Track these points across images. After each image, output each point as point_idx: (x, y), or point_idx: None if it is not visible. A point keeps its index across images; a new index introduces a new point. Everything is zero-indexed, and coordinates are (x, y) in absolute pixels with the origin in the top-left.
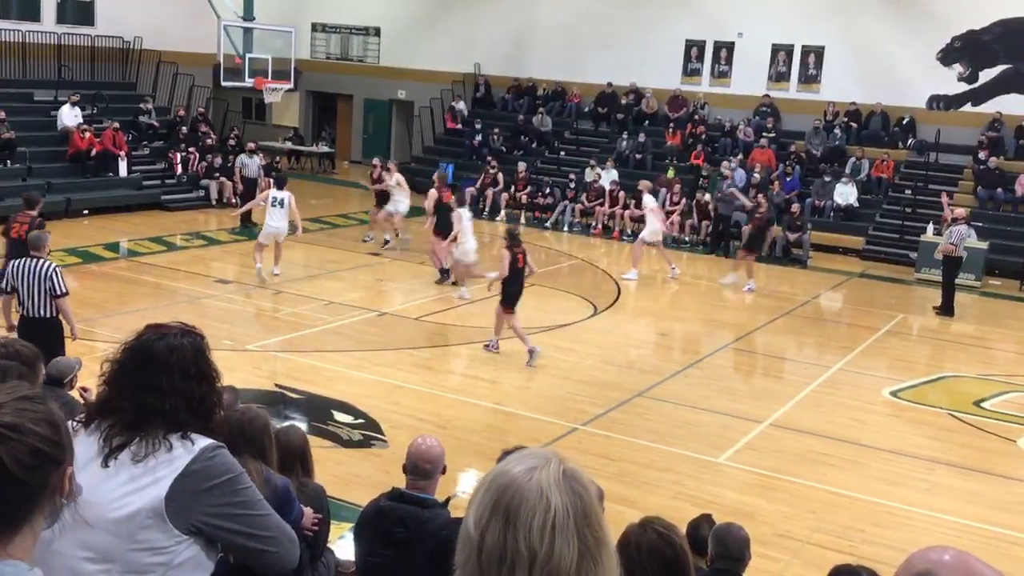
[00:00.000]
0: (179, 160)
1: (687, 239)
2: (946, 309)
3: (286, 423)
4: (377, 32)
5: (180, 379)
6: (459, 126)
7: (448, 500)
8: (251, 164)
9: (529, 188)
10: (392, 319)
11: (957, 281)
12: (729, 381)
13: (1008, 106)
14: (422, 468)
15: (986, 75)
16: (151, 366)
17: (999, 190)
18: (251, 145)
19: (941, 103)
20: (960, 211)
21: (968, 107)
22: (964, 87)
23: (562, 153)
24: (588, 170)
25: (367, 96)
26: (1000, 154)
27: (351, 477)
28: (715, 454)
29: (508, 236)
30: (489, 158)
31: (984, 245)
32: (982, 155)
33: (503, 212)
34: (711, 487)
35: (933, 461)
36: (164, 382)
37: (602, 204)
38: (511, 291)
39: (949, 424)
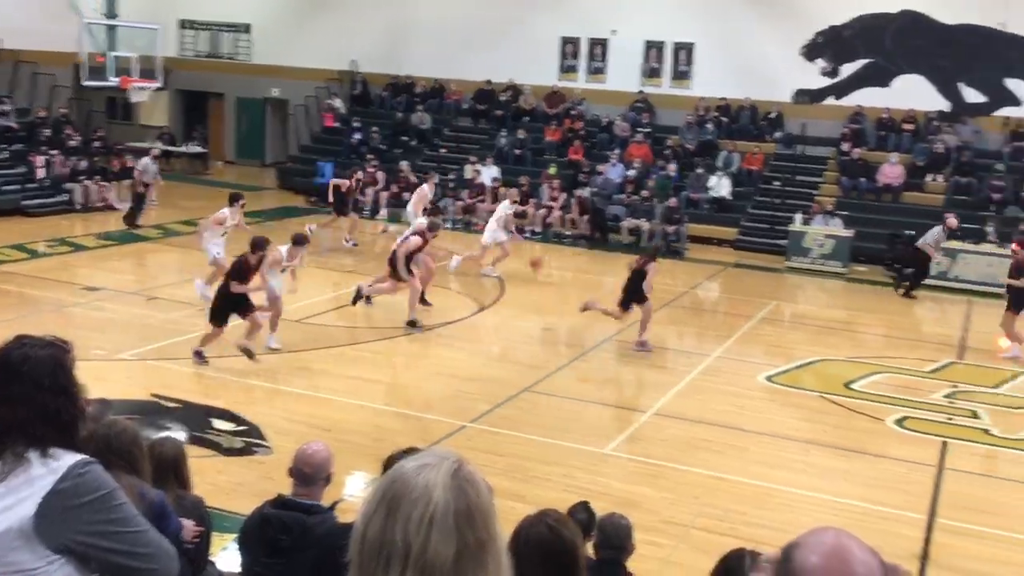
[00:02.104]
0: (41, 163)
1: (568, 233)
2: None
3: (161, 434)
4: (248, 29)
5: (32, 389)
6: (337, 124)
7: (334, 505)
8: (152, 168)
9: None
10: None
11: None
12: (614, 373)
13: (869, 99)
14: (306, 474)
15: (848, 69)
16: (2, 375)
17: (862, 179)
18: (155, 151)
19: (806, 97)
20: (952, 220)
21: (831, 100)
22: (827, 81)
23: (442, 151)
24: (468, 167)
25: (240, 94)
26: (862, 145)
27: (234, 486)
28: (602, 445)
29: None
30: (369, 156)
31: (850, 233)
32: (845, 146)
33: (384, 211)
34: (599, 478)
35: (808, 442)
36: (15, 392)
37: (483, 201)
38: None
39: (822, 406)
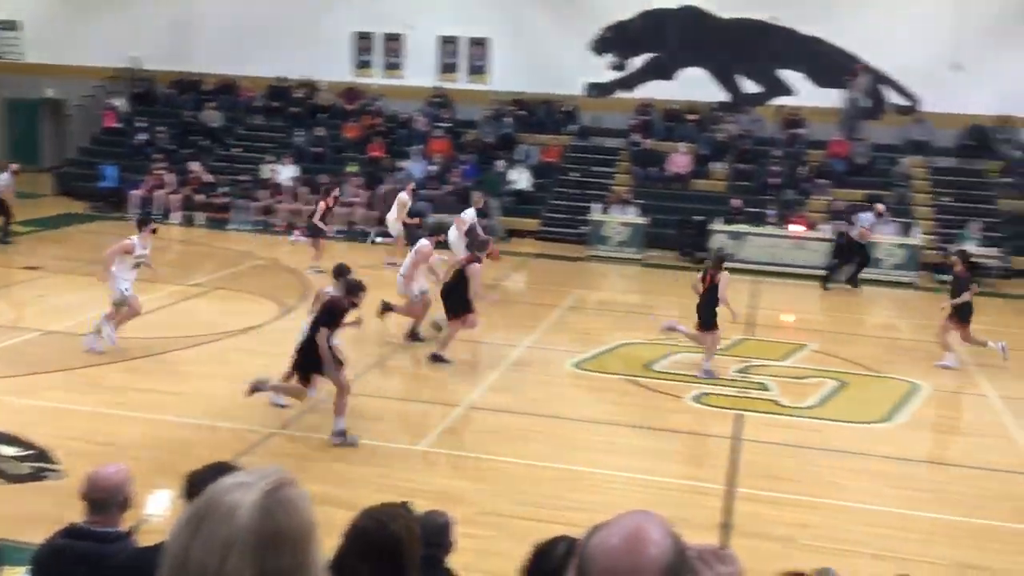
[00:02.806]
0: None
1: (373, 231)
2: (853, 282)
3: None
4: (16, 26)
5: None
6: (119, 125)
7: (131, 530)
8: (7, 181)
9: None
10: (59, 338)
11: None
12: (425, 369)
13: (655, 92)
14: (99, 499)
15: (634, 63)
16: None
17: (653, 169)
18: (14, 167)
19: (597, 91)
20: (879, 206)
21: (621, 94)
22: (616, 75)
23: (236, 150)
24: (265, 167)
25: (10, 95)
26: (652, 136)
27: (23, 515)
28: (417, 442)
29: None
30: (157, 157)
31: (645, 220)
32: (636, 137)
33: (178, 215)
34: (416, 475)
35: (616, 424)
36: None
37: (281, 201)
38: None
39: (627, 388)
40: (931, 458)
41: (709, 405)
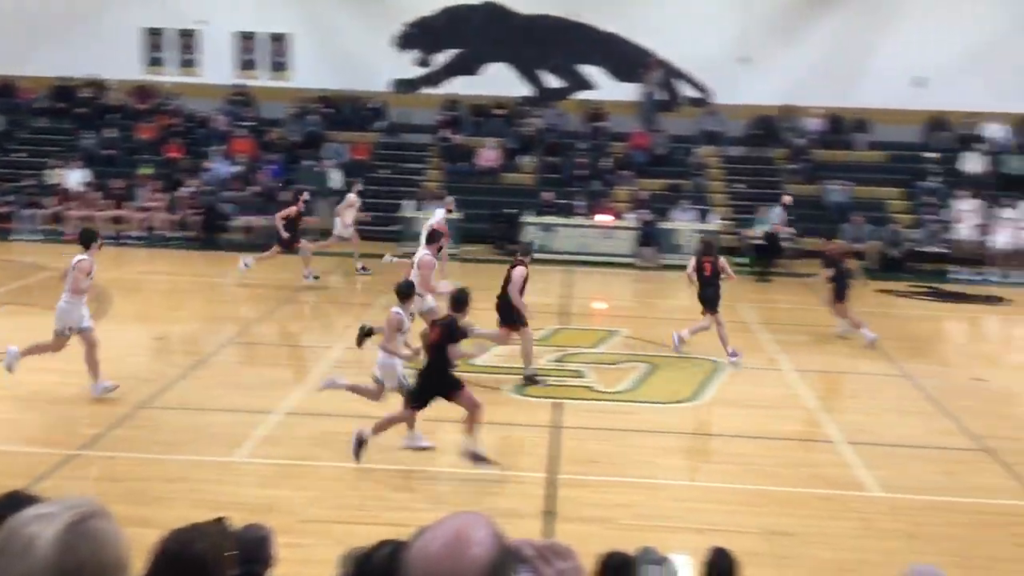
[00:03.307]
0: None
1: (173, 236)
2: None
3: None
4: None
5: None
6: None
7: None
8: None
9: None
10: None
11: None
12: (237, 376)
13: (462, 87)
14: None
15: (439, 59)
16: None
17: (463, 164)
18: None
19: (404, 87)
20: (786, 198)
21: (428, 89)
22: (421, 71)
23: (18, 155)
24: (51, 171)
25: None
26: (460, 131)
27: None
28: (230, 453)
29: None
30: None
31: (460, 215)
32: (445, 133)
33: None
34: (230, 487)
35: (438, 420)
36: None
37: (71, 208)
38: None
39: None
40: (736, 432)
41: (528, 395)
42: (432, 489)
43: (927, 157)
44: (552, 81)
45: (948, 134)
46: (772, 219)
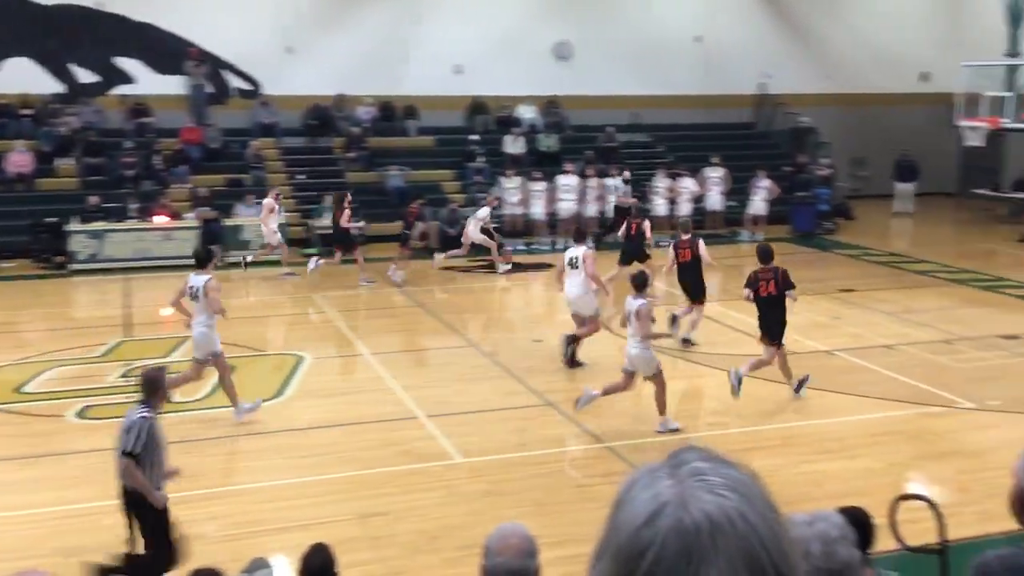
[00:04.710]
0: None
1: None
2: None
3: None
4: None
5: None
6: None
7: None
8: None
9: None
10: None
11: None
12: None
13: None
14: None
15: None
16: None
17: None
18: None
19: None
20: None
21: None
22: None
23: None
24: None
25: None
26: None
27: None
28: None
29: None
30: None
31: None
32: None
33: None
34: None
35: None
36: None
37: None
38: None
39: None
40: (324, 423)
41: (94, 419)
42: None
43: (472, 140)
44: (85, 76)
45: (488, 117)
46: (619, 191)
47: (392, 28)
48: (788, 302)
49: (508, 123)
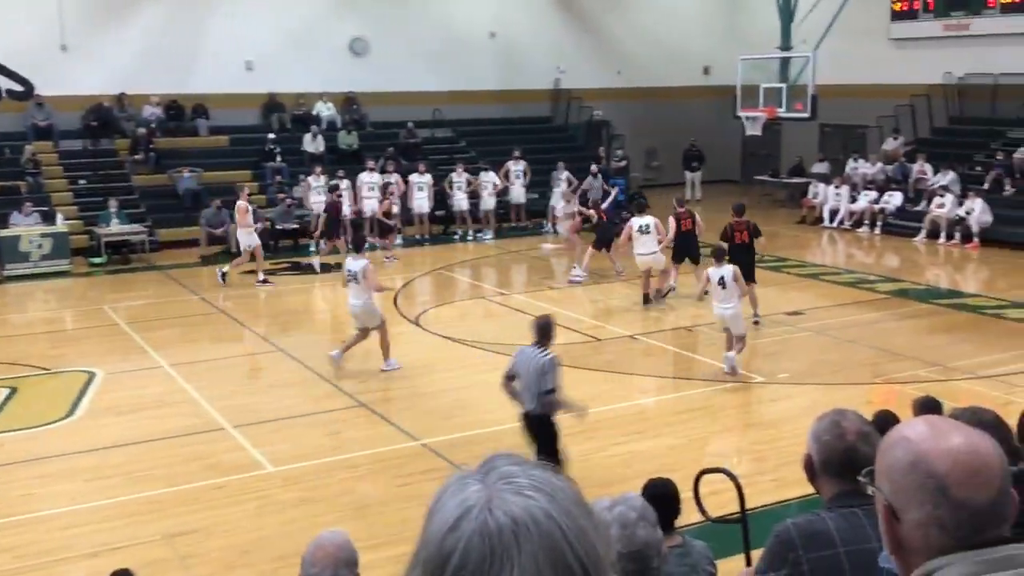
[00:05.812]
0: None
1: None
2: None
3: None
4: None
5: None
6: None
7: None
8: None
9: None
10: None
11: None
12: None
13: None
14: None
15: None
16: None
17: None
18: None
19: None
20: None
21: None
22: None
23: None
24: None
25: None
26: None
27: None
28: None
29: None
30: None
31: None
32: None
33: None
34: None
35: None
36: None
37: None
38: None
39: None
40: (121, 441)
41: None
42: None
43: (268, 139)
44: None
45: (284, 115)
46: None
47: (180, 23)
48: (756, 246)
49: (305, 121)
